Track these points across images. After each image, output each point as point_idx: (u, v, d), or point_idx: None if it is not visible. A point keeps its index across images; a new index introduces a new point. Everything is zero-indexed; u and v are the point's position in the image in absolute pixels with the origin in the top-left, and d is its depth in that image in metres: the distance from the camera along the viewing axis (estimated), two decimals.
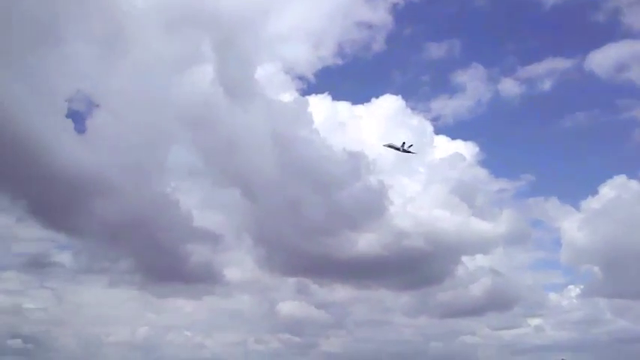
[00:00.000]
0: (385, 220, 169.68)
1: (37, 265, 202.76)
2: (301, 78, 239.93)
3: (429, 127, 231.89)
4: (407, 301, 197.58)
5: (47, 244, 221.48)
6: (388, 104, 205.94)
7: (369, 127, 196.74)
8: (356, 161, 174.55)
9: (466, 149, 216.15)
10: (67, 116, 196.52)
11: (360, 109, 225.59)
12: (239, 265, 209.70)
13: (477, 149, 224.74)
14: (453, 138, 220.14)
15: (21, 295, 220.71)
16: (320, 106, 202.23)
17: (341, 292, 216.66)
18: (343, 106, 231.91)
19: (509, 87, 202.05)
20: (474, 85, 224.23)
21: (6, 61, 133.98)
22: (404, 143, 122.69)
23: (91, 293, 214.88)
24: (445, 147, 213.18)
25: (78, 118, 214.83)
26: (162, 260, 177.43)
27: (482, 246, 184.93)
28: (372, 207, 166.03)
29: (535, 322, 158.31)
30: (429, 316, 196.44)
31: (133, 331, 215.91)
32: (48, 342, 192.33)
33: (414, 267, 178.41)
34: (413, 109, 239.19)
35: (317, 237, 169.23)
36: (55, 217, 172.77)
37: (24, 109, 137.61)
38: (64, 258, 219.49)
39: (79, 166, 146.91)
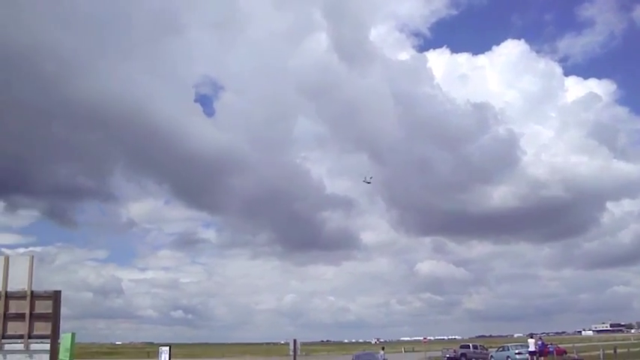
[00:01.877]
0: (519, 170, 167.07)
1: (186, 242, 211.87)
2: (416, 34, 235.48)
3: (558, 69, 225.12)
4: (549, 254, 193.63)
5: (193, 223, 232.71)
6: (511, 50, 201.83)
7: (492, 77, 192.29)
8: (482, 113, 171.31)
9: (601, 88, 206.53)
10: (196, 101, 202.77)
11: (481, 58, 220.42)
12: (374, 228, 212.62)
13: (613, 87, 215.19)
14: (586, 78, 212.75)
15: (176, 270, 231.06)
16: (439, 60, 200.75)
17: (479, 249, 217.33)
18: (463, 57, 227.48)
19: None
20: (604, 18, 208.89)
21: (132, 55, 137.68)
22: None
23: (237, 266, 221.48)
24: (577, 88, 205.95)
25: (206, 102, 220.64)
26: (300, 229, 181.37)
27: (628, 190, 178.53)
28: (504, 158, 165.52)
29: None
30: (575, 267, 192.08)
31: (280, 299, 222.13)
32: (205, 312, 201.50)
33: (554, 217, 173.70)
34: (538, 52, 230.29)
35: (449, 194, 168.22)
36: (196, 198, 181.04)
37: (155, 99, 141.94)
38: (210, 234, 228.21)
39: (212, 147, 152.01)
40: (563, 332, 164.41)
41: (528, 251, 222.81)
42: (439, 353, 62.64)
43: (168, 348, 30.44)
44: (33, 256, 14.18)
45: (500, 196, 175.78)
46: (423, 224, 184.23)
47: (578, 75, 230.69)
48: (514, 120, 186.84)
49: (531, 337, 42.76)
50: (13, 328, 13.35)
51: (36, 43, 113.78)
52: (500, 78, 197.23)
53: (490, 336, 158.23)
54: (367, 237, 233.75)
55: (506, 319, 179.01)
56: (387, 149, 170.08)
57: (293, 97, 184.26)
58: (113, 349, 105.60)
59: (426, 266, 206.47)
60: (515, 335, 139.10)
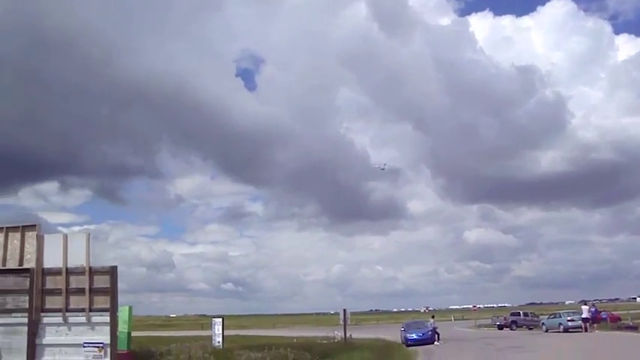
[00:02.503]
0: (567, 134, 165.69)
1: (234, 216, 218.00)
2: None
3: (607, 28, 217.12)
4: (601, 219, 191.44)
5: (240, 197, 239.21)
6: (557, 10, 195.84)
7: (537, 39, 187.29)
8: (527, 76, 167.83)
9: None
10: (237, 75, 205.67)
11: (525, 20, 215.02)
12: (420, 197, 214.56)
13: None
14: (638, 35, 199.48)
15: (225, 244, 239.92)
16: (481, 24, 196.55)
17: (528, 215, 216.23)
18: (507, 20, 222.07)
19: None
20: None
21: (172, 33, 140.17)
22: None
23: (284, 238, 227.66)
24: (628, 47, 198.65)
25: (247, 76, 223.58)
26: (346, 200, 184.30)
27: None
28: (552, 122, 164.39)
29: None
30: (630, 233, 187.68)
31: (328, 270, 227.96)
32: (254, 284, 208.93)
33: (606, 182, 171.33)
34: (586, 10, 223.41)
35: (495, 160, 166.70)
36: (242, 172, 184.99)
37: (197, 75, 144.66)
38: (257, 208, 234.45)
39: (255, 121, 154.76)
40: (617, 299, 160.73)
41: (579, 217, 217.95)
42: (489, 321, 62.40)
43: (221, 319, 31.26)
44: (89, 234, 14.76)
45: (548, 161, 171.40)
46: (469, 192, 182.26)
47: (629, 32, 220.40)
48: (561, 82, 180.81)
49: (584, 304, 42.07)
50: (75, 302, 14.00)
51: (82, 26, 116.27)
52: (545, 39, 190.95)
53: (541, 303, 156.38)
54: (413, 206, 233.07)
55: (556, 286, 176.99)
56: (431, 117, 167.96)
57: (334, 68, 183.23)
58: (168, 322, 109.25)
59: (474, 234, 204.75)
60: (567, 302, 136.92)
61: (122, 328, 15.80)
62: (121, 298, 14.57)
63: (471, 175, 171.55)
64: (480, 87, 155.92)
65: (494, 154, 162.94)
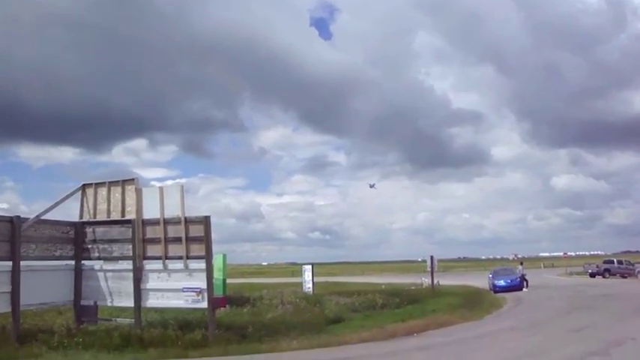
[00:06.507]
0: None
1: (318, 166, 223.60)
2: None
3: None
4: None
5: (322, 147, 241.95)
6: None
7: None
8: (618, 8, 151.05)
9: None
10: (311, 25, 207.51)
11: None
12: (505, 142, 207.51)
13: None
14: None
15: (311, 194, 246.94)
16: None
17: (621, 160, 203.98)
18: None
19: None
20: None
21: None
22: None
23: (368, 186, 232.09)
24: None
25: (321, 25, 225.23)
26: (428, 147, 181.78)
27: None
28: None
29: None
30: None
31: (413, 217, 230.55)
32: (341, 232, 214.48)
33: None
34: None
35: (584, 101, 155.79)
36: (323, 122, 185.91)
37: (271, 27, 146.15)
38: (340, 157, 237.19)
39: (332, 70, 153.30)
40: None
41: None
42: (580, 269, 60.37)
43: (310, 266, 32.28)
44: (182, 186, 15.62)
45: None
46: (556, 136, 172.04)
47: None
48: None
49: None
50: (173, 250, 14.99)
51: None
52: None
53: (637, 251, 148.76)
54: (498, 152, 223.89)
55: None
56: (514, 58, 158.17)
57: (409, 12, 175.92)
58: (260, 269, 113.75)
59: (563, 180, 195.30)
60: None
61: (217, 274, 16.73)
62: (214, 248, 15.39)
63: (557, 118, 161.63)
64: (565, 23, 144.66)
65: (583, 95, 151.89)
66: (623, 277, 48.25)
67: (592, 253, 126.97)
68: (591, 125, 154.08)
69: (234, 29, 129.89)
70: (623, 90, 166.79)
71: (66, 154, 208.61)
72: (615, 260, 53.60)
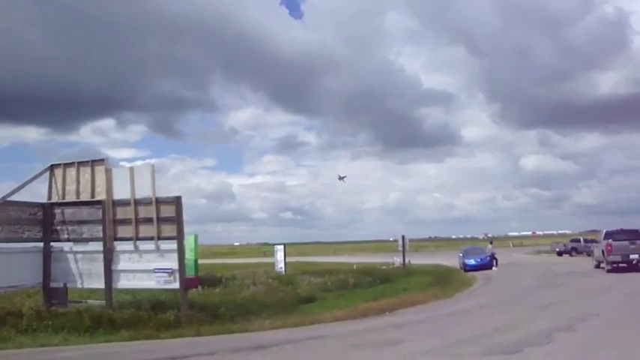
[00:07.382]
0: (630, 53, 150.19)
1: (288, 146, 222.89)
2: None
3: None
4: None
5: (293, 127, 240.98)
6: None
7: None
8: None
9: None
10: (281, 4, 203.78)
11: None
12: (475, 123, 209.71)
13: None
14: None
15: (282, 174, 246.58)
16: None
17: (588, 140, 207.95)
18: None
19: None
20: None
21: None
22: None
23: (339, 167, 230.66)
24: None
25: (292, 4, 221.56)
26: (399, 127, 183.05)
27: None
28: (612, 40, 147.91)
29: None
30: None
31: (385, 198, 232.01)
32: (313, 212, 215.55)
33: None
34: None
35: (552, 83, 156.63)
36: (293, 102, 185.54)
37: (242, 5, 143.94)
38: (310, 137, 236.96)
39: (303, 49, 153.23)
40: None
41: None
42: (548, 247, 61.74)
43: (282, 246, 32.38)
44: (153, 166, 15.41)
45: (608, 82, 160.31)
46: (525, 117, 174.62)
47: None
48: None
49: None
50: (144, 230, 14.82)
51: None
52: None
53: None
54: (468, 132, 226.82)
55: (620, 213, 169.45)
56: (484, 39, 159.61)
57: None
58: (232, 250, 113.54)
59: (531, 161, 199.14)
60: None
61: (189, 255, 16.58)
62: (186, 228, 15.24)
63: (526, 99, 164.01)
64: (534, 5, 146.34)
65: (551, 77, 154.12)
66: (589, 255, 49.40)
67: (560, 232, 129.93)
68: (559, 106, 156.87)
69: (204, 7, 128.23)
70: (590, 72, 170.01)
71: (31, 133, 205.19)
72: (582, 239, 54.87)
